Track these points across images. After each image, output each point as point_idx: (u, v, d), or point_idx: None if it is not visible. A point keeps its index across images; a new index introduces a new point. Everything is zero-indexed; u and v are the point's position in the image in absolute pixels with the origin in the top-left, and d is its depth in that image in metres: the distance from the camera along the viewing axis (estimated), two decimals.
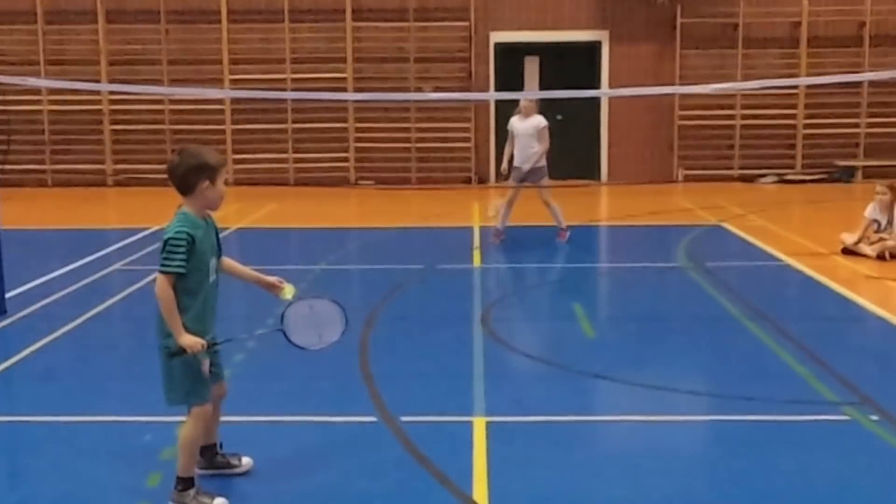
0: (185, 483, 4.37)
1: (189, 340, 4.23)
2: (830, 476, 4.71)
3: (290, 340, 4.51)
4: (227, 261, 4.65)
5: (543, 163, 11.51)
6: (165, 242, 4.26)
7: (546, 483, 4.63)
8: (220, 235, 4.58)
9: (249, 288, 4.79)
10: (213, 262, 4.40)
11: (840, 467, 4.80)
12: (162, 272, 4.24)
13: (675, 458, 4.99)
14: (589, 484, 4.66)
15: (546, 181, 11.66)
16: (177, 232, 4.24)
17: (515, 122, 11.58)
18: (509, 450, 5.02)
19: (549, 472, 4.74)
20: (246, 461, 4.76)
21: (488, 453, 4.94)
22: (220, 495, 4.42)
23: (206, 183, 4.31)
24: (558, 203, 11.81)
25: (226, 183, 4.45)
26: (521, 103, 11.56)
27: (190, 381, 4.36)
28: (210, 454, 4.71)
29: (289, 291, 4.58)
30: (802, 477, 4.70)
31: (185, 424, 4.43)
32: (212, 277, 4.40)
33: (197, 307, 4.32)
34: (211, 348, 4.36)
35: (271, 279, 4.62)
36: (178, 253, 4.22)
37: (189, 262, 4.25)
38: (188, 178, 4.30)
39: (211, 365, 4.46)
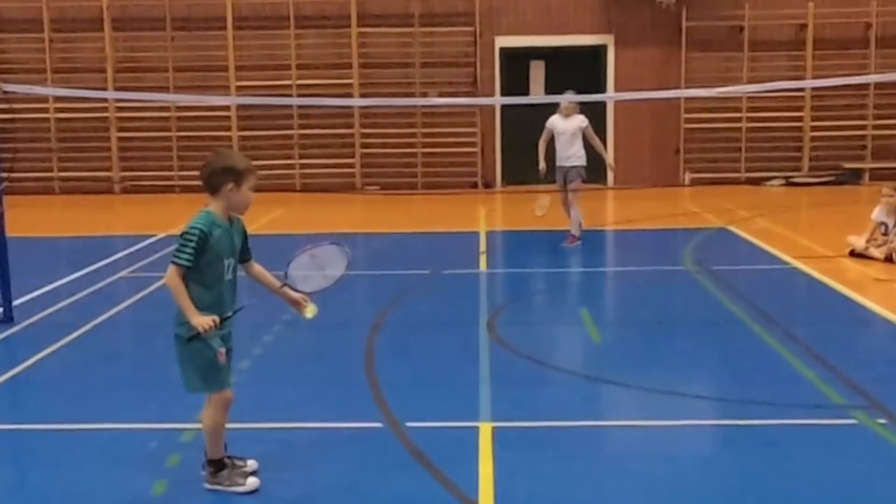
0: (217, 465, 4.58)
1: (199, 319, 4.34)
2: (838, 480, 4.69)
3: (298, 290, 4.61)
4: (257, 268, 4.75)
5: (584, 162, 11.63)
6: (181, 235, 4.43)
7: (552, 489, 4.62)
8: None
9: (261, 292, 4.80)
10: (228, 262, 4.52)
11: (848, 471, 4.78)
12: (172, 262, 4.41)
13: (681, 463, 4.97)
14: (595, 489, 4.65)
15: (579, 183, 11.71)
16: (191, 227, 4.40)
17: (557, 122, 11.70)
18: (515, 455, 5.01)
19: (555, 478, 4.72)
20: (251, 463, 4.80)
21: (494, 459, 4.93)
22: (253, 474, 4.62)
23: (231, 185, 4.46)
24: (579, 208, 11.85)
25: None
26: (562, 104, 11.69)
27: (206, 368, 4.48)
28: None
29: (311, 311, 4.64)
30: (810, 481, 4.68)
31: (205, 412, 4.58)
32: (227, 277, 4.51)
33: (209, 301, 4.43)
34: (223, 322, 4.43)
35: (296, 295, 4.66)
36: (187, 247, 4.37)
37: (201, 258, 4.39)
38: (213, 179, 4.47)
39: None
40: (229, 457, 4.77)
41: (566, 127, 11.62)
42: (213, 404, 4.56)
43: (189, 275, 4.39)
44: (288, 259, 4.59)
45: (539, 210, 12.06)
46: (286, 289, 4.64)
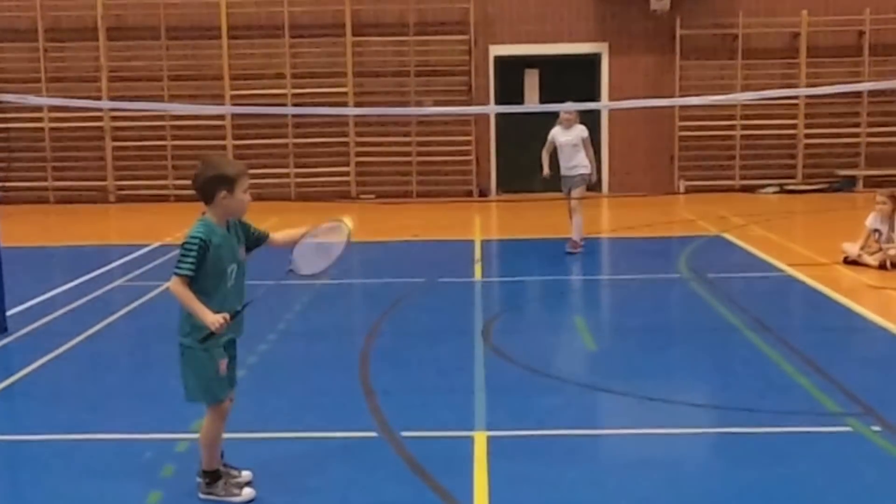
0: (212, 476, 4.59)
1: (210, 318, 4.34)
2: (833, 487, 4.69)
3: (303, 275, 4.64)
4: (279, 236, 4.78)
5: (587, 170, 11.78)
6: (181, 245, 4.44)
7: (547, 498, 4.61)
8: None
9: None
10: (231, 267, 4.52)
11: (842, 479, 4.79)
12: (174, 273, 4.41)
13: (677, 471, 4.98)
14: (590, 498, 4.65)
15: (583, 190, 11.86)
16: (191, 237, 4.41)
17: (558, 134, 11.84)
18: (510, 464, 5.00)
19: (550, 487, 4.72)
20: (246, 474, 4.80)
21: (489, 468, 4.92)
22: (247, 485, 4.63)
23: (224, 193, 4.47)
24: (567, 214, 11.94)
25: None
26: (562, 115, 11.83)
27: (205, 379, 4.51)
28: None
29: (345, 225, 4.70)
30: (805, 489, 4.68)
31: (203, 422, 4.61)
32: (230, 283, 4.52)
33: (214, 307, 4.42)
34: (234, 318, 4.42)
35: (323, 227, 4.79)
36: (189, 256, 4.38)
37: (202, 266, 4.40)
38: (206, 188, 4.48)
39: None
40: (225, 465, 4.78)
41: (567, 138, 11.76)
42: (211, 415, 4.59)
43: (192, 284, 4.40)
44: (292, 249, 4.62)
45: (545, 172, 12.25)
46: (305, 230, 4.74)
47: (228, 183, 4.46)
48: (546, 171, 11.86)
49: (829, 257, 10.90)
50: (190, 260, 4.37)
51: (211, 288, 4.44)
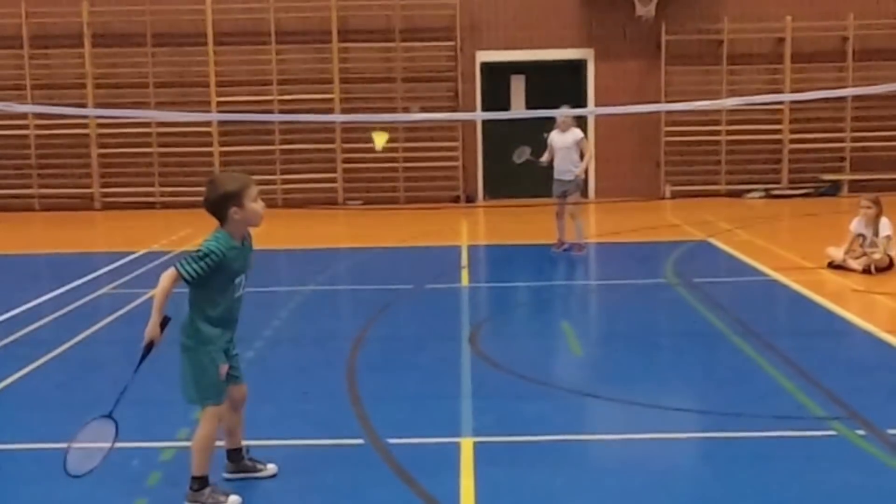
0: (200, 482, 4.57)
1: (151, 328, 4.43)
2: (818, 492, 4.71)
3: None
4: None
5: (582, 175, 11.99)
6: (199, 249, 4.46)
7: (534, 503, 4.62)
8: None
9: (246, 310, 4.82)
10: (240, 279, 4.59)
11: (827, 483, 4.81)
12: (175, 267, 4.44)
13: (663, 476, 4.99)
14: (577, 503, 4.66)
15: (579, 196, 12.11)
16: (208, 248, 4.45)
17: (555, 136, 12.03)
18: (497, 470, 5.01)
19: (537, 493, 4.73)
20: (271, 467, 4.91)
21: (476, 474, 4.93)
22: (234, 492, 4.61)
23: (234, 209, 4.50)
24: (554, 218, 12.13)
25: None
26: (559, 118, 11.95)
27: (205, 382, 4.54)
28: (237, 458, 4.87)
29: (379, 138, 4.73)
30: (790, 493, 4.70)
31: (198, 427, 4.62)
32: (237, 293, 4.60)
33: (218, 313, 4.53)
34: (147, 352, 4.47)
35: None
36: (198, 263, 4.42)
37: (214, 277, 4.46)
38: (216, 209, 4.52)
39: (229, 368, 4.65)
40: (251, 459, 4.89)
41: (563, 141, 11.92)
42: (207, 417, 4.58)
43: (199, 288, 4.47)
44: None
45: (518, 158, 12.27)
46: None
47: (235, 198, 4.48)
48: (544, 159, 12.00)
49: (814, 262, 10.95)
50: (197, 267, 4.40)
51: (218, 297, 4.52)
